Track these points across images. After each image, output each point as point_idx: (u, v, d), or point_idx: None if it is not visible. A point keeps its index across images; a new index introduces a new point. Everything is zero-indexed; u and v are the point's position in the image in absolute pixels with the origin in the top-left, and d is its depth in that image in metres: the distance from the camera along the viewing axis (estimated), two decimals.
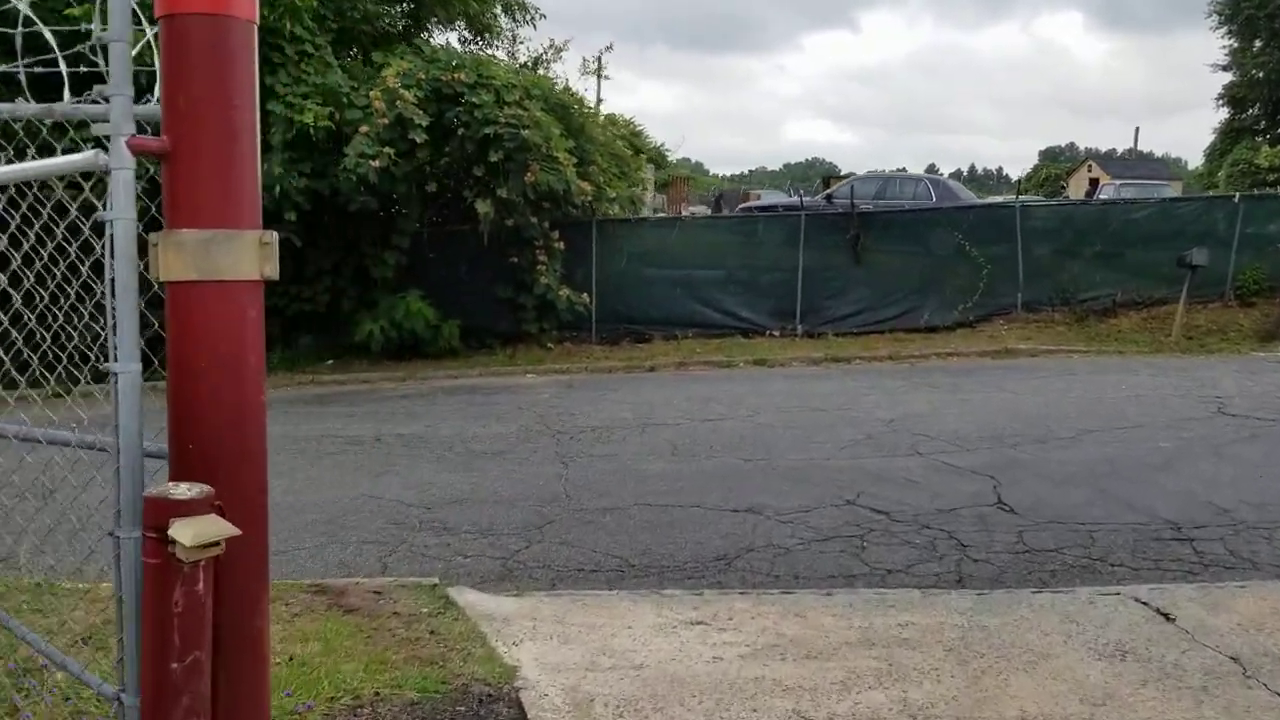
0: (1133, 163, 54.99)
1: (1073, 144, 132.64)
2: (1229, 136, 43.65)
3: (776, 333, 16.67)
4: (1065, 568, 6.03)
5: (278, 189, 13.99)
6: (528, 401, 12.26)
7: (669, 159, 42.41)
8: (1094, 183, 47.41)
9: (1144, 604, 5.29)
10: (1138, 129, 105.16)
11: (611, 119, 22.31)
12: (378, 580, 5.89)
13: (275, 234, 2.37)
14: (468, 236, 15.81)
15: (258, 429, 2.46)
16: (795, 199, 24.37)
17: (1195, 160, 52.05)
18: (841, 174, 32.00)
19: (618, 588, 5.88)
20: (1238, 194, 17.18)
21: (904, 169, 33.09)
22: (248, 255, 2.29)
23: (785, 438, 9.65)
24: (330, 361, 15.89)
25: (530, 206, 15.30)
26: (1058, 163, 75.31)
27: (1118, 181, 41.56)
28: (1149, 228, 16.83)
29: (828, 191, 21.58)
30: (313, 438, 10.45)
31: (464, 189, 15.25)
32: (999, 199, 30.29)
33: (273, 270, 2.34)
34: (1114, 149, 65.69)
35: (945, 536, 6.61)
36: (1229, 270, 16.36)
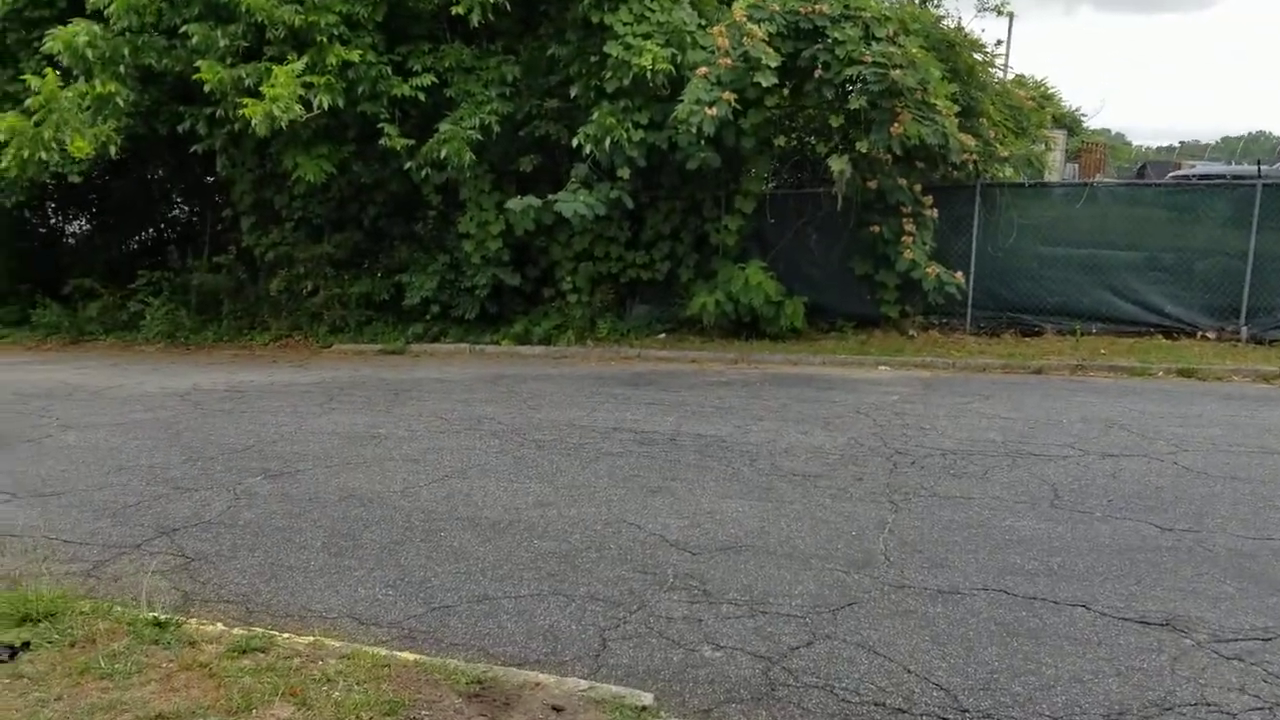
0: None
1: None
2: None
3: (1211, 335, 12.98)
4: None
5: (609, 140, 12.53)
6: (870, 403, 9.90)
7: (1083, 126, 37.39)
8: None
9: None
10: None
11: (1019, 80, 19.03)
12: (571, 684, 3.97)
13: None
14: (820, 200, 13.56)
15: None
16: (1242, 169, 19.68)
17: None
18: None
19: None
20: None
21: None
22: None
23: (1224, 495, 6.66)
24: (663, 335, 14.34)
25: (898, 165, 12.78)
26: None
27: None
28: None
29: None
30: (602, 430, 8.81)
31: (818, 144, 13.01)
32: None
33: None
34: None
35: None
36: None
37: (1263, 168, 14.93)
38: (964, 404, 9.82)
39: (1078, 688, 4.06)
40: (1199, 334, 13.02)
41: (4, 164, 13.04)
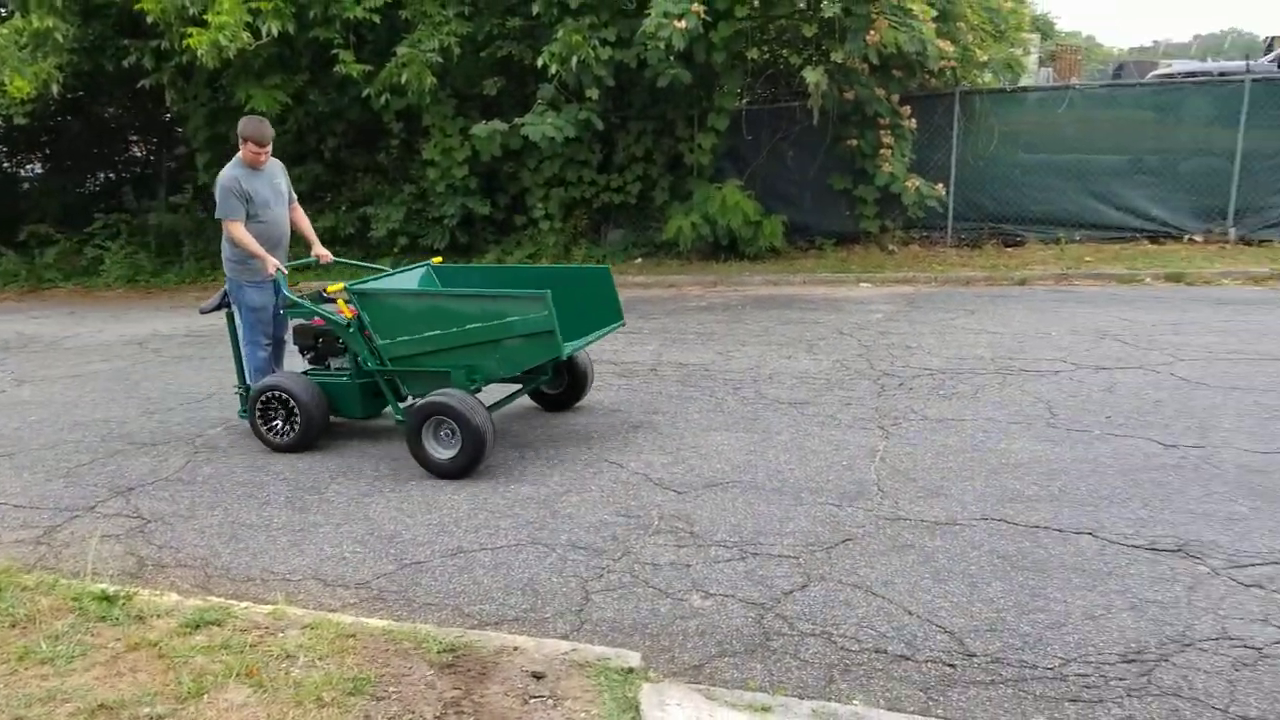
0: None
1: None
2: None
3: (1199, 238, 12.69)
4: None
5: (575, 60, 11.99)
6: (854, 323, 9.61)
7: (1055, 29, 36.65)
8: None
9: None
10: None
11: None
12: (551, 647, 3.70)
13: None
14: (795, 115, 13.06)
15: None
16: (1228, 64, 19.20)
17: None
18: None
19: (941, 705, 3.34)
20: None
21: None
22: None
23: (1227, 407, 6.42)
24: (640, 260, 13.96)
25: (874, 75, 12.31)
26: None
27: None
28: None
29: (1279, 53, 16.58)
30: None
31: (792, 55, 12.48)
32: None
33: None
34: None
35: None
36: None
37: (1250, 63, 14.49)
38: (949, 320, 9.54)
39: (1090, 625, 3.82)
40: (1186, 237, 12.74)
41: None
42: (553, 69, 12.14)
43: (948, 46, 12.14)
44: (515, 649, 3.64)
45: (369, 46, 13.47)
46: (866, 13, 11.41)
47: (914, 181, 12.51)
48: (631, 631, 3.95)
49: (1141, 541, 4.52)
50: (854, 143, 12.74)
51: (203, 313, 7.00)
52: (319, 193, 15.36)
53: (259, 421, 6.51)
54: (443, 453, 5.81)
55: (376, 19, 12.84)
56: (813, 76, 11.61)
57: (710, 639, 3.86)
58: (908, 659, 3.67)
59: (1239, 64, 15.19)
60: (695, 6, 11.30)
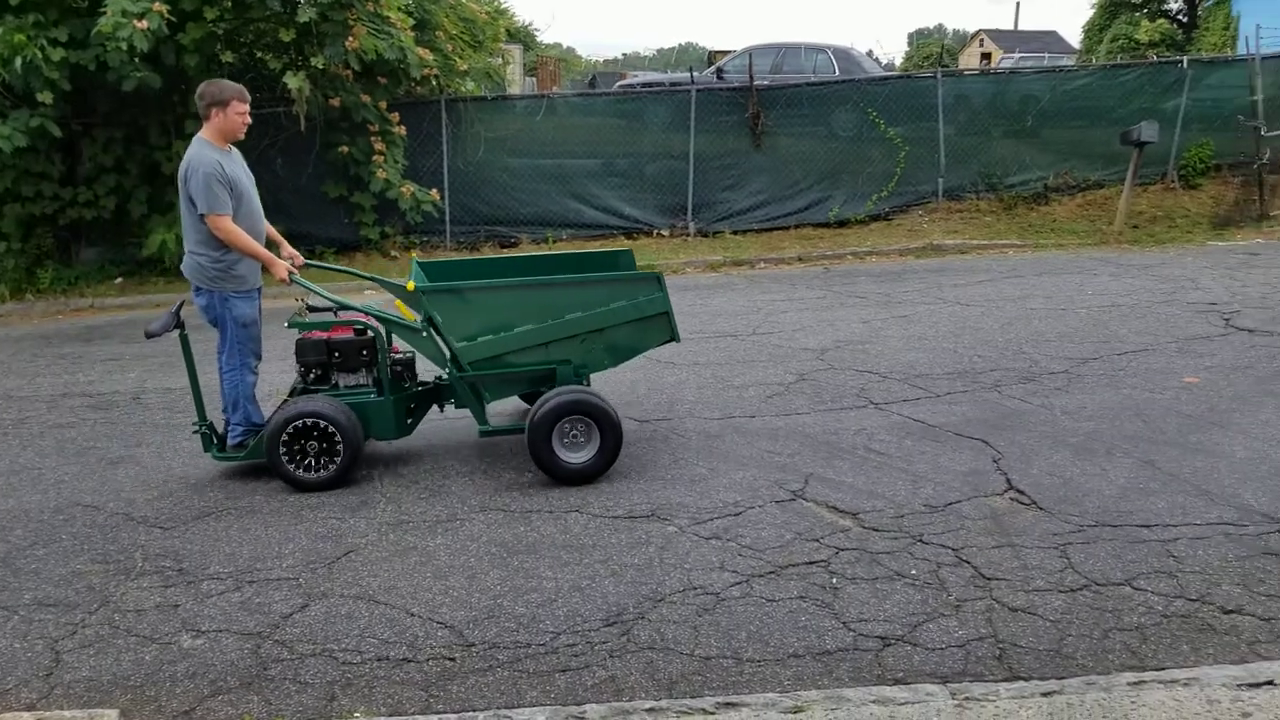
0: (1027, 36, 52.94)
1: (942, 25, 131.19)
2: (1108, 11, 42.46)
3: (665, 232, 14.13)
4: (1156, 621, 3.81)
5: (19, 61, 10.66)
6: None
7: (538, 40, 38.90)
8: (986, 58, 45.44)
9: None
10: (1019, 4, 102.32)
11: None
12: (8, 719, 3.29)
13: None
14: (282, 121, 12.67)
15: None
16: (679, 76, 21.50)
17: (1072, 39, 50.59)
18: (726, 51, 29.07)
19: (441, 700, 3.43)
20: (1185, 58, 15.08)
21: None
22: None
23: (690, 382, 7.23)
24: (120, 280, 12.77)
25: (360, 81, 12.27)
26: (929, 44, 73.09)
27: (1017, 54, 39.69)
28: (1085, 100, 14.68)
29: (717, 65, 18.84)
30: (48, 399, 7.61)
31: (272, 60, 12.07)
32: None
33: None
34: (995, 28, 63.57)
35: (954, 561, 4.32)
36: (1171, 148, 14.38)
37: (694, 75, 16.34)
38: None
39: (577, 596, 4.13)
40: (655, 231, 14.12)
41: None
42: None
43: (428, 55, 12.39)
44: None
45: None
46: (344, 19, 11.32)
47: (409, 187, 12.65)
48: (111, 687, 3.63)
49: (621, 511, 4.96)
50: (345, 149, 12.60)
51: (150, 335, 5.50)
52: None
53: (283, 458, 5.34)
54: (574, 457, 5.29)
55: None
56: (294, 82, 11.30)
57: (202, 680, 3.65)
58: (410, 661, 3.73)
59: (686, 75, 17.11)
60: (158, 6, 10.52)
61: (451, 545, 4.66)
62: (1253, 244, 12.36)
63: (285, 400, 5.81)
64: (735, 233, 14.04)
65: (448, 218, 13.72)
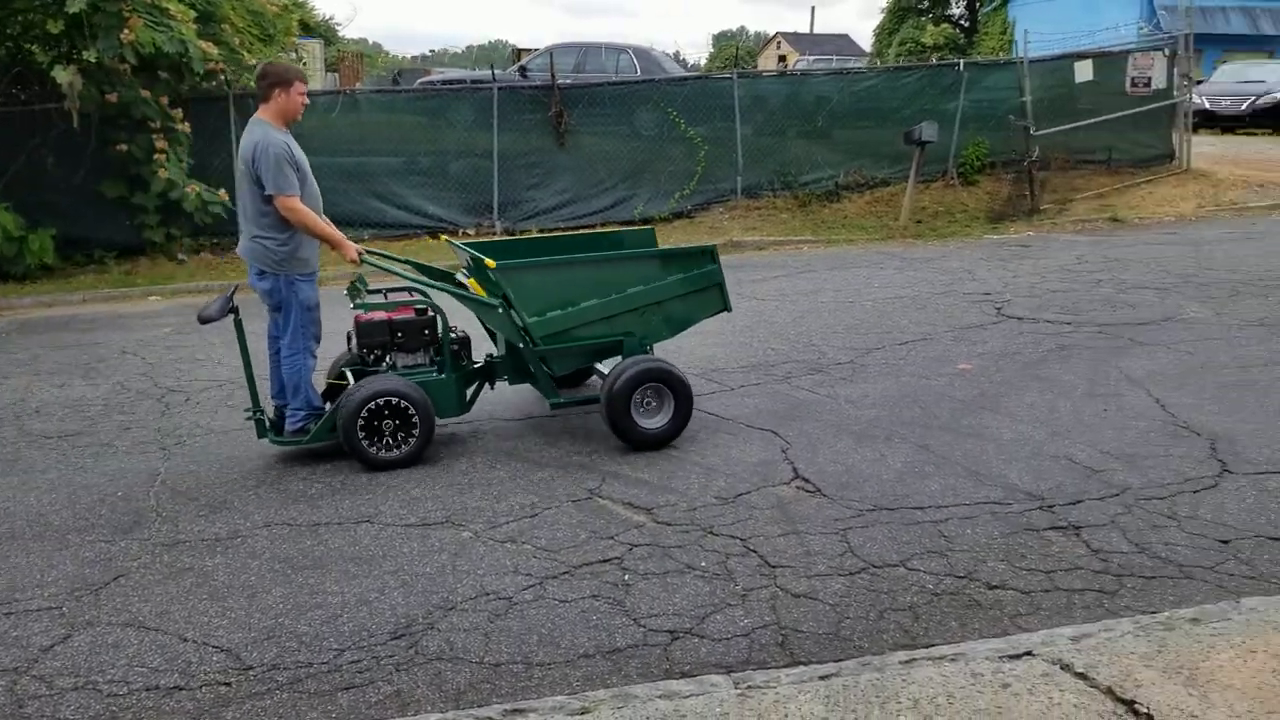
0: (821, 39, 55.16)
1: (744, 27, 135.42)
2: (896, 15, 44.71)
3: (471, 231, 13.96)
4: (928, 600, 4.02)
5: None
6: (139, 340, 9.02)
7: (340, 36, 37.73)
8: (783, 60, 47.07)
9: (1081, 675, 3.35)
10: (814, 9, 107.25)
11: None
12: None
13: None
14: (53, 117, 11.83)
15: None
16: (481, 74, 21.30)
17: (864, 43, 53.22)
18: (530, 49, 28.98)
19: None
20: (961, 61, 16.01)
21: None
22: None
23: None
24: None
25: (139, 76, 11.59)
26: (732, 45, 75.26)
27: (810, 57, 41.21)
28: (872, 101, 15.39)
29: (521, 64, 18.75)
30: None
31: (41, 53, 11.27)
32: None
33: None
34: (792, 31, 65.97)
35: (741, 551, 4.44)
36: (951, 147, 15.23)
37: (497, 72, 16.23)
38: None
39: (364, 610, 4.02)
40: (461, 231, 13.93)
41: None
42: None
43: (212, 49, 11.82)
44: None
45: None
46: (117, 10, 10.67)
47: (196, 187, 12.05)
48: None
49: (414, 520, 4.87)
50: (124, 148, 11.87)
51: (204, 321, 5.36)
52: None
53: (361, 437, 5.38)
54: (650, 422, 5.61)
55: None
56: (64, 76, 10.61)
57: None
58: (182, 689, 3.54)
59: (488, 73, 16.98)
60: None
61: (231, 564, 4.46)
62: (1024, 236, 13.23)
63: (333, 382, 5.92)
64: (542, 231, 14.00)
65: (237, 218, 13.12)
